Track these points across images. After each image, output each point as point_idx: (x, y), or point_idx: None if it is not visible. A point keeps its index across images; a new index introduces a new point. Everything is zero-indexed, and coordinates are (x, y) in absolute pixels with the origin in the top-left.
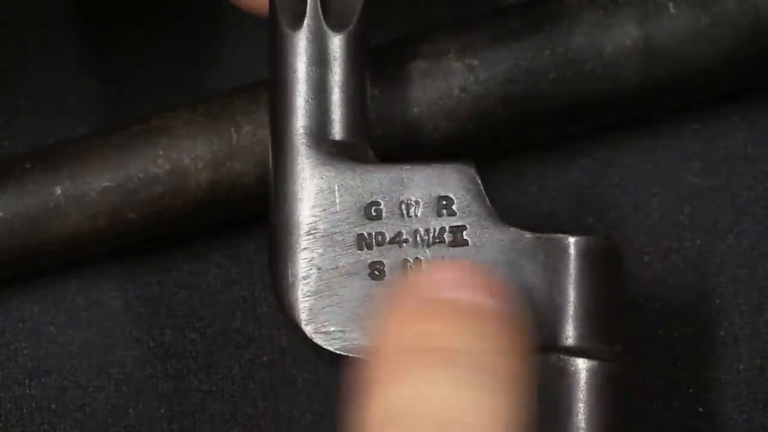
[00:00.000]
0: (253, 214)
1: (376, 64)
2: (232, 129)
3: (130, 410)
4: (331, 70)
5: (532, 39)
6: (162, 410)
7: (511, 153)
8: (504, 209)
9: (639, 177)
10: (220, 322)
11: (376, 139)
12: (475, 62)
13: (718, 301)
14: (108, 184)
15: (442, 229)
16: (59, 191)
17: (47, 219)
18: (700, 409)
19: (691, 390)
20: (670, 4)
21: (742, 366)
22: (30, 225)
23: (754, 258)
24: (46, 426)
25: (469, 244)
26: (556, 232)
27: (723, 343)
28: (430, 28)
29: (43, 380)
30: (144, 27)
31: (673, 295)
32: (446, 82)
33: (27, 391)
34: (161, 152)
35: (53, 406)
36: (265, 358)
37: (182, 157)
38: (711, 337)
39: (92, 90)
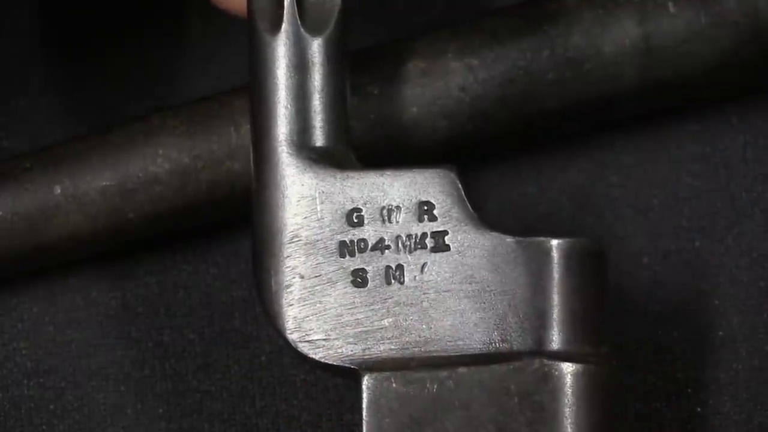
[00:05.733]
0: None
1: (374, 64)
2: (232, 128)
3: (129, 410)
4: (311, 76)
5: (531, 39)
6: (160, 410)
7: (510, 153)
8: (502, 209)
9: (638, 178)
10: (218, 322)
11: (375, 138)
12: (474, 62)
13: (716, 301)
14: (108, 183)
15: (424, 234)
16: (59, 191)
17: (47, 219)
18: (699, 409)
19: (689, 390)
20: (670, 4)
21: (740, 366)
22: (30, 225)
23: (753, 259)
24: (44, 426)
25: (451, 249)
26: (548, 233)
27: (722, 343)
28: (429, 27)
29: (41, 380)
30: (143, 27)
31: (672, 295)
32: (445, 82)
33: (26, 392)
34: (161, 151)
35: (52, 406)
36: (263, 358)
37: (182, 157)
38: (710, 338)
39: (92, 90)
